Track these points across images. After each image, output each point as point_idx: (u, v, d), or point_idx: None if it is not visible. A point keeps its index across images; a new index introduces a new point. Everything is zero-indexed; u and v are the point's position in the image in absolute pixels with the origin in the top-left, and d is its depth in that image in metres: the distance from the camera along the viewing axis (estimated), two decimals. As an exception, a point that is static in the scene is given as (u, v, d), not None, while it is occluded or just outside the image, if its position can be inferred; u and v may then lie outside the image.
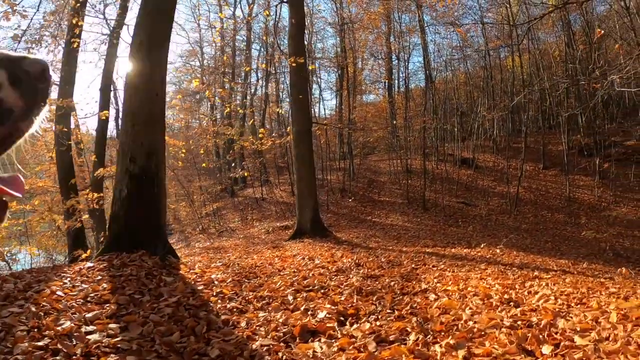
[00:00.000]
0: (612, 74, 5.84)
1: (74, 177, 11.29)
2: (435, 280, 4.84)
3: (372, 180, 20.59)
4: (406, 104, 23.54)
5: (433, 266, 5.96)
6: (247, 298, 4.34)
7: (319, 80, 28.13)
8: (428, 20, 24.37)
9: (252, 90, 28.88)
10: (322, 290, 4.71)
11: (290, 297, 4.38)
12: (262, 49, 27.20)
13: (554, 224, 13.66)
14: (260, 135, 17.64)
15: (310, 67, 11.43)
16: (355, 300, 4.22)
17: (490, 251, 8.38)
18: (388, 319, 3.54)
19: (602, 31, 13.00)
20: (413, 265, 6.02)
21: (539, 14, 13.24)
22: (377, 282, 5.03)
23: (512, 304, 3.53)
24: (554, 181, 17.54)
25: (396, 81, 28.05)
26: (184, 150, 18.62)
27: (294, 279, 5.39)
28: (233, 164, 23.36)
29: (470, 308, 3.43)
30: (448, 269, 5.65)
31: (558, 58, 22.82)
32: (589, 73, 16.07)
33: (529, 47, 21.95)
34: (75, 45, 10.46)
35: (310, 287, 4.82)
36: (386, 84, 27.60)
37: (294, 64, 11.54)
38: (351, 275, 5.49)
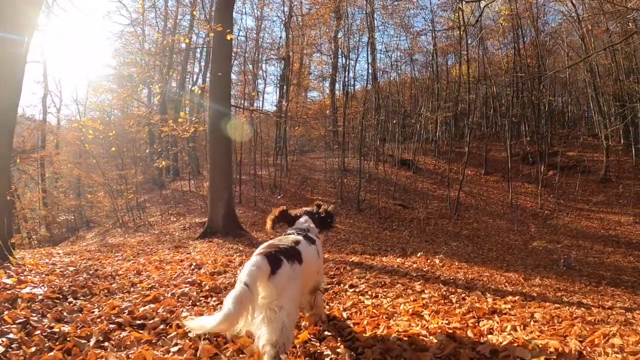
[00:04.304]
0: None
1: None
2: (345, 314, 3.11)
3: (306, 177, 18.90)
4: (345, 100, 22.14)
5: (351, 286, 4.25)
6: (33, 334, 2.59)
7: (264, 74, 27.04)
8: (379, 19, 23.49)
9: (194, 79, 27.61)
10: (161, 327, 2.88)
11: (92, 340, 2.53)
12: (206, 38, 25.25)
13: (497, 231, 12.61)
14: (180, 120, 15.44)
15: (229, 37, 9.60)
16: (197, 354, 2.41)
17: (429, 261, 6.93)
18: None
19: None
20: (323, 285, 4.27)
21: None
22: (256, 315, 3.24)
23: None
24: (495, 187, 16.70)
25: (342, 80, 26.83)
26: (91, 132, 16.13)
27: (138, 300, 3.59)
28: (147, 150, 21.00)
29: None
30: (369, 292, 3.94)
31: (506, 66, 22.38)
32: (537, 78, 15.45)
33: (478, 54, 21.32)
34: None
35: (144, 321, 2.97)
36: (330, 81, 26.25)
37: (212, 34, 10.09)
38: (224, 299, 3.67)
